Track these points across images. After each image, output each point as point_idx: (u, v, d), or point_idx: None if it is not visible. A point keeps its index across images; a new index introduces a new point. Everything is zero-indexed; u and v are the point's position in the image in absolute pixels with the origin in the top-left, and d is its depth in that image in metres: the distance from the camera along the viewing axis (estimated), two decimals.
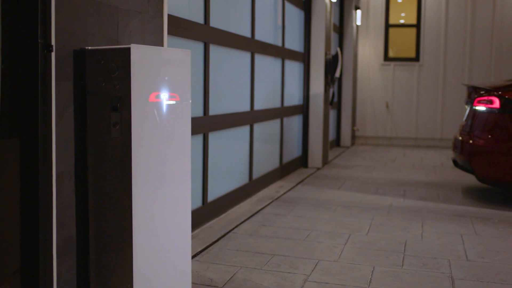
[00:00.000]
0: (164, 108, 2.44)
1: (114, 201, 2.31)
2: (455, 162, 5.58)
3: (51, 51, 2.07)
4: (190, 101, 2.63)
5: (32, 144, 2.07)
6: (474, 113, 5.24)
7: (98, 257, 2.36)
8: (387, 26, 10.30)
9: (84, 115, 2.31)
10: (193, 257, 3.40)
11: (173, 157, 2.54)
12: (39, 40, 2.04)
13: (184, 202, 2.66)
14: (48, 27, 2.05)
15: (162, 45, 2.90)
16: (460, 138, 5.38)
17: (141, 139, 2.29)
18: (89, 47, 2.28)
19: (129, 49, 2.20)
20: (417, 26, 10.13)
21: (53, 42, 2.08)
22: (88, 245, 2.36)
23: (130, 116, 2.22)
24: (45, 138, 2.07)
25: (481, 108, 5.14)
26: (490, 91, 5.11)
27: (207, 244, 3.65)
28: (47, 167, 2.09)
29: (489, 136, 5.04)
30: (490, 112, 5.04)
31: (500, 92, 5.03)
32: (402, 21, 10.39)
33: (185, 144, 2.62)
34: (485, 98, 5.10)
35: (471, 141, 5.17)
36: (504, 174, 4.97)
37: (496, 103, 4.99)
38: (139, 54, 2.25)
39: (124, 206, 2.28)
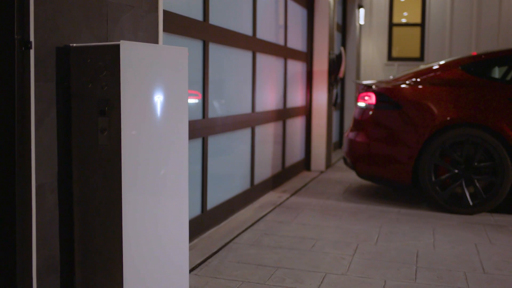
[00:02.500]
0: (159, 111, 2.21)
1: (102, 215, 2.08)
2: (344, 160, 5.53)
3: (30, 48, 1.84)
4: (187, 103, 2.41)
5: (8, 152, 1.84)
6: (357, 110, 5.28)
7: (84, 277, 2.13)
8: (391, 25, 10.09)
9: (69, 120, 2.08)
10: (191, 270, 3.17)
11: (169, 164, 2.32)
12: (15, 36, 1.81)
13: (181, 211, 2.44)
14: (26, 21, 1.82)
15: (156, 42, 2.68)
16: (345, 135, 5.41)
17: (132, 146, 2.06)
18: (74, 44, 2.05)
19: (118, 46, 1.97)
20: (422, 25, 9.92)
21: (32, 38, 1.85)
22: (73, 264, 2.13)
23: (120, 121, 1.99)
24: (23, 146, 1.84)
25: (361, 104, 5.16)
26: (368, 87, 5.13)
27: (206, 255, 3.42)
28: (26, 178, 1.86)
29: (366, 133, 5.05)
30: (367, 108, 5.07)
31: (376, 88, 5.05)
32: (404, 20, 10.16)
33: (181, 149, 2.40)
34: (364, 94, 5.13)
35: (351, 138, 5.20)
36: (380, 170, 5.00)
37: (373, 98, 5.02)
38: (130, 52, 2.02)
39: (113, 220, 2.05)
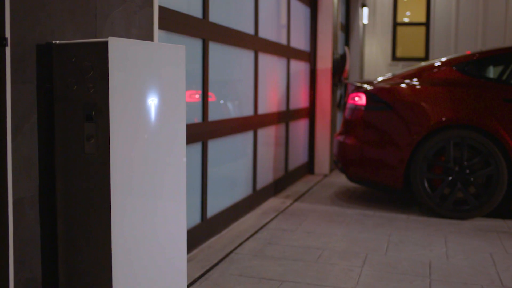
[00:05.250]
0: (153, 115, 2.00)
1: (89, 232, 1.87)
2: (335, 163, 5.34)
3: (6, 45, 1.63)
4: (185, 105, 2.20)
5: None
6: (346, 111, 5.11)
7: None
8: (395, 24, 9.88)
9: (51, 127, 1.87)
10: (189, 285, 2.96)
11: (164, 173, 2.11)
12: None
13: (178, 222, 2.24)
14: (1, 14, 1.60)
15: (151, 40, 2.47)
16: (335, 136, 5.25)
17: (122, 155, 1.85)
18: (57, 41, 1.84)
19: (106, 43, 1.75)
20: (426, 24, 9.71)
21: (7, 34, 1.64)
22: (57, 287, 1.92)
23: (108, 127, 1.78)
24: None
25: (351, 105, 4.99)
26: (358, 87, 4.96)
27: (207, 268, 3.21)
28: (1, 192, 1.65)
29: (356, 135, 4.88)
30: (357, 109, 4.89)
31: (367, 88, 4.87)
32: (408, 20, 9.95)
33: (179, 155, 2.19)
34: (355, 94, 4.96)
35: (341, 140, 5.03)
36: (370, 173, 4.82)
37: (363, 99, 4.84)
38: (120, 50, 1.81)
39: (101, 237, 1.84)
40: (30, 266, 1.81)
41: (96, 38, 2.08)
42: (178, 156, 2.20)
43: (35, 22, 1.77)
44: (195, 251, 3.51)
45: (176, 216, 2.24)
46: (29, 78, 1.77)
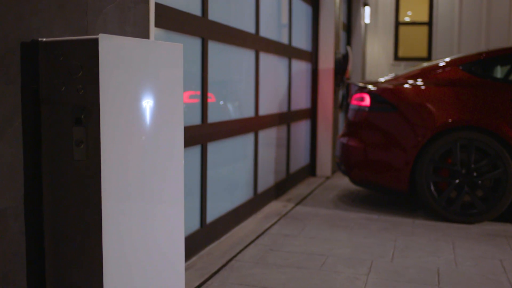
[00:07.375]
0: (148, 118, 1.87)
1: (79, 244, 1.74)
2: (338, 165, 5.22)
3: None
4: (183, 107, 2.06)
5: None
6: (350, 112, 5.01)
7: None
8: (397, 24, 9.76)
9: (37, 131, 1.74)
10: None
11: (161, 177, 1.98)
12: None
13: (176, 230, 2.12)
14: None
15: (147, 38, 2.33)
16: (338, 138, 5.14)
17: (115, 161, 1.72)
18: (44, 39, 1.71)
19: (96, 40, 1.62)
20: (429, 23, 9.59)
21: None
22: None
23: (99, 131, 1.65)
24: None
25: (355, 106, 4.89)
26: (362, 88, 4.85)
27: (206, 276, 3.08)
28: None
29: (360, 136, 4.77)
30: (361, 110, 4.78)
31: (370, 89, 4.76)
32: (409, 19, 9.83)
33: (176, 159, 2.06)
34: (358, 95, 4.86)
35: (344, 142, 4.93)
36: (375, 176, 4.71)
37: (367, 100, 4.73)
38: (112, 48, 1.67)
39: (92, 250, 1.71)
40: (14, 282, 1.68)
41: (86, 35, 1.94)
42: (176, 160, 2.08)
43: (19, 18, 1.64)
44: (193, 259, 3.38)
45: (173, 223, 2.11)
46: (12, 78, 1.63)
